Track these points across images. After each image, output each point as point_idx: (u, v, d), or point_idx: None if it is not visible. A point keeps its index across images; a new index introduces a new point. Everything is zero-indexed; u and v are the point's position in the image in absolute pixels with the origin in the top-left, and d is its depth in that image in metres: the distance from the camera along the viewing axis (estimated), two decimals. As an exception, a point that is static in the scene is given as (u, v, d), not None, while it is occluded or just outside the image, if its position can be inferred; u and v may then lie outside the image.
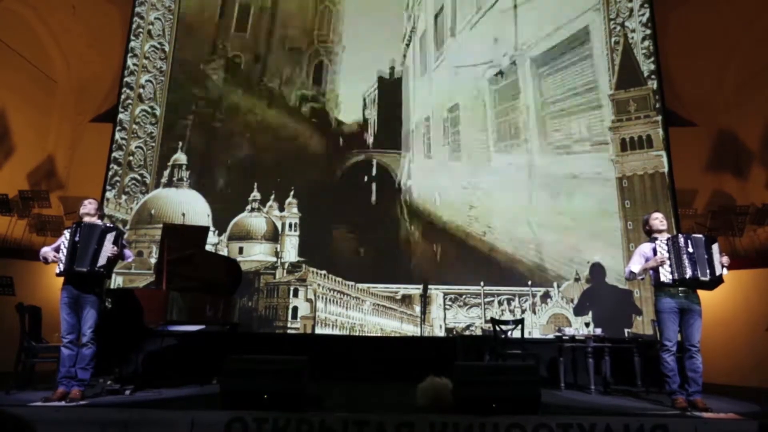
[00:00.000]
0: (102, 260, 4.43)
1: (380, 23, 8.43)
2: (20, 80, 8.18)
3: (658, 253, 4.54)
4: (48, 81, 8.70)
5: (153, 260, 7.36)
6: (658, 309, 4.58)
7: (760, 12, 7.81)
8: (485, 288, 7.33)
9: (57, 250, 4.55)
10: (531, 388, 3.97)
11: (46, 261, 4.58)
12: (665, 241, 4.58)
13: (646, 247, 4.74)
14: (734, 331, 6.74)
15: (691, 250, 4.43)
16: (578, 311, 7.13)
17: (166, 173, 7.96)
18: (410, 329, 7.33)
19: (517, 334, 6.17)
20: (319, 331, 7.29)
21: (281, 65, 8.41)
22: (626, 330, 6.92)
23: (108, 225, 4.75)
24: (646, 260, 4.67)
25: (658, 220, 4.76)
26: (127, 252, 4.90)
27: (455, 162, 7.95)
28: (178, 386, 5.28)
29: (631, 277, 4.79)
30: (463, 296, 7.37)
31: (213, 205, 7.81)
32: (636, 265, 4.72)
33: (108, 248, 4.48)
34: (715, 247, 4.48)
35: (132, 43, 8.39)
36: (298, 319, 7.36)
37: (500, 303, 7.29)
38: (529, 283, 7.31)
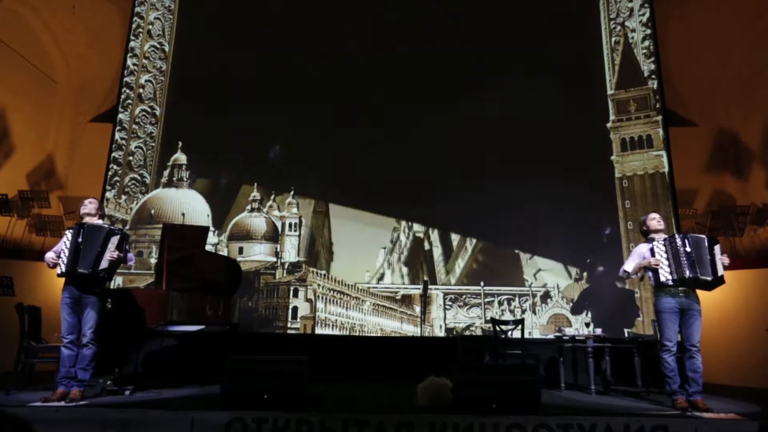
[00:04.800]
0: (104, 263, 4.40)
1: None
2: (20, 80, 8.17)
3: (656, 254, 4.53)
4: (48, 81, 8.69)
5: (153, 260, 7.36)
6: (658, 309, 4.57)
7: (760, 12, 7.81)
8: (485, 288, 7.33)
9: (59, 252, 4.52)
10: (531, 388, 3.97)
11: (53, 266, 4.55)
12: (662, 242, 4.57)
13: (643, 248, 4.74)
14: (734, 331, 6.73)
15: (689, 249, 4.42)
16: (576, 310, 7.13)
17: (166, 173, 7.97)
18: (410, 329, 7.33)
19: (517, 334, 6.16)
20: (319, 331, 7.29)
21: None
22: (626, 330, 6.92)
23: (113, 228, 4.67)
24: (643, 260, 4.68)
25: (655, 220, 4.75)
26: (130, 255, 4.87)
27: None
28: (178, 386, 5.28)
29: (625, 275, 4.85)
30: (463, 296, 7.37)
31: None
32: (630, 265, 4.74)
33: (110, 251, 4.43)
34: (717, 248, 4.48)
35: (132, 43, 8.40)
36: (298, 319, 7.36)
37: (500, 303, 7.29)
38: (529, 283, 7.31)
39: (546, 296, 7.29)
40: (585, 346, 5.74)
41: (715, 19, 8.14)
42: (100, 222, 4.69)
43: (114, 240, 4.47)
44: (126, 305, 4.93)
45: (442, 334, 7.31)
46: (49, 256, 4.53)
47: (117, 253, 4.46)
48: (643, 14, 8.14)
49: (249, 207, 7.86)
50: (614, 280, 7.10)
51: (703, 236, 4.58)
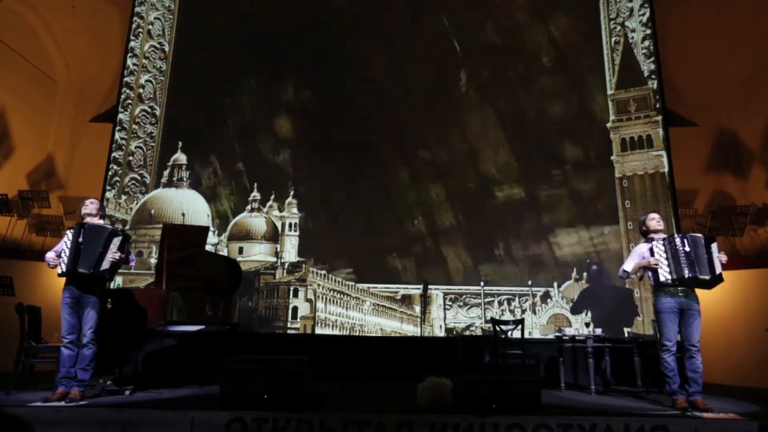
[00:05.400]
0: (105, 264, 4.40)
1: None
2: (20, 80, 8.17)
3: (655, 254, 4.54)
4: (48, 81, 8.69)
5: (153, 260, 7.36)
6: (658, 309, 4.57)
7: (760, 12, 7.81)
8: (485, 288, 7.33)
9: (59, 252, 4.52)
10: (531, 388, 3.97)
11: (53, 266, 4.54)
12: (661, 242, 4.57)
13: (643, 248, 4.74)
14: (734, 331, 6.74)
15: (688, 249, 4.43)
16: (576, 310, 7.13)
17: (166, 173, 7.96)
18: (410, 329, 7.33)
19: (517, 334, 6.16)
20: (319, 331, 7.29)
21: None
22: (626, 330, 6.92)
23: (115, 228, 4.65)
24: (642, 260, 4.68)
25: (654, 220, 4.76)
26: (132, 256, 4.86)
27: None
28: (178, 386, 5.28)
29: (624, 275, 4.85)
30: (463, 296, 7.37)
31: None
32: (629, 265, 4.75)
33: (112, 252, 4.42)
34: (714, 247, 4.48)
35: (132, 43, 8.40)
36: (298, 319, 7.36)
37: (500, 303, 7.29)
38: (529, 283, 7.31)
39: (546, 296, 7.29)
40: (585, 346, 5.74)
41: (715, 19, 8.14)
42: (101, 222, 4.69)
43: (116, 241, 4.47)
44: (126, 305, 4.93)
45: (442, 334, 7.31)
46: (50, 256, 4.53)
47: (119, 254, 4.46)
48: (643, 14, 8.14)
49: (249, 207, 7.86)
50: (614, 279, 7.10)
51: (700, 235, 4.59)
